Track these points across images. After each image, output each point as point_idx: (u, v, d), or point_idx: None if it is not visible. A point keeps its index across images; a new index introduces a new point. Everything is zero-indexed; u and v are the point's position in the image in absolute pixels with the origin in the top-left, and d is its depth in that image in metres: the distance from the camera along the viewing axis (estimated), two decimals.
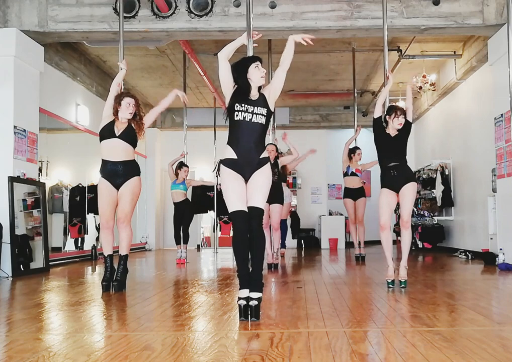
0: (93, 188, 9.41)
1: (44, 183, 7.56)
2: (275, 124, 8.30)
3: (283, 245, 8.12)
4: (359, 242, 8.46)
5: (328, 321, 3.38)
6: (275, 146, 7.40)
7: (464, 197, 10.05)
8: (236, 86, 3.61)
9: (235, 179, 3.52)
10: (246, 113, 3.55)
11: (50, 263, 7.38)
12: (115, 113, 4.99)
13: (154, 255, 11.15)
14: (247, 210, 3.47)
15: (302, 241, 13.76)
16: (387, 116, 5.06)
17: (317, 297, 4.43)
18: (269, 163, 3.61)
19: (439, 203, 10.56)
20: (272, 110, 3.66)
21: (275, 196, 6.78)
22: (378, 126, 5.14)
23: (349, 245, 12.92)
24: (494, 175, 7.81)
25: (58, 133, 9.45)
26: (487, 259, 7.63)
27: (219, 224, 13.64)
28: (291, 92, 12.45)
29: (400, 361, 2.42)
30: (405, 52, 9.35)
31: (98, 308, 4.17)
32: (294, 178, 14.53)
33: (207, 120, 12.67)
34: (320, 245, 12.90)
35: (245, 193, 3.51)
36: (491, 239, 8.08)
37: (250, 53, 4.00)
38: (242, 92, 3.59)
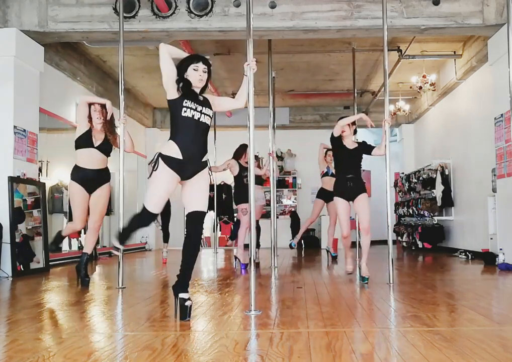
0: None
1: (44, 183, 7.56)
2: (275, 124, 8.29)
3: (257, 245, 8.28)
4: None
5: (328, 321, 3.38)
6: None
7: (464, 197, 10.05)
8: (181, 83, 3.51)
9: (171, 179, 3.45)
10: (195, 112, 3.48)
11: (50, 263, 7.38)
12: (90, 120, 5.32)
13: (154, 255, 11.16)
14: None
15: (302, 241, 13.76)
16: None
17: (317, 297, 4.43)
18: (208, 166, 3.58)
19: (439, 203, 10.56)
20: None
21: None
22: (336, 141, 5.65)
23: None
24: (494, 175, 7.81)
25: (58, 133, 9.45)
26: (487, 259, 7.63)
27: (218, 224, 13.65)
28: (291, 92, 12.46)
29: (400, 361, 2.42)
30: (405, 52, 9.34)
31: (98, 308, 4.17)
32: (294, 178, 14.53)
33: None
34: (320, 245, 12.90)
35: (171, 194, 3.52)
36: (491, 239, 8.08)
37: (250, 54, 3.99)
38: (189, 89, 3.51)
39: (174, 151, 3.44)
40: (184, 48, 8.42)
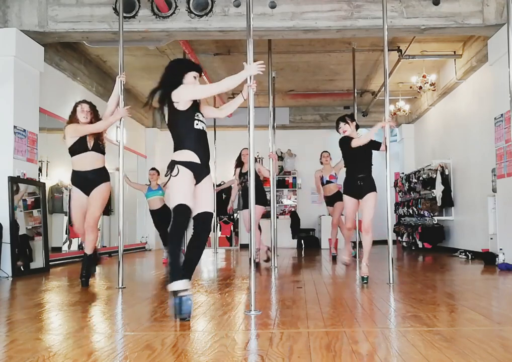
0: None
1: (44, 183, 7.56)
2: (275, 124, 8.29)
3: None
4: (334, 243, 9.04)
5: (328, 321, 3.38)
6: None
7: (464, 197, 10.05)
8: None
9: (192, 181, 3.60)
10: (202, 124, 3.67)
11: (50, 263, 7.38)
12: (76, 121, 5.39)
13: (154, 255, 11.15)
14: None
15: (302, 241, 13.77)
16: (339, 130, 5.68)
17: (317, 297, 4.43)
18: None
19: (439, 203, 10.56)
20: None
21: (257, 197, 6.94)
22: (344, 143, 5.59)
23: None
24: (494, 175, 7.81)
25: (58, 133, 9.43)
26: (487, 259, 7.63)
27: (218, 224, 13.65)
28: (291, 92, 12.46)
29: (400, 361, 2.42)
30: (405, 52, 9.35)
31: (98, 308, 4.17)
32: (294, 178, 14.53)
33: (207, 120, 12.65)
34: (320, 245, 12.91)
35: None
36: (491, 239, 8.08)
37: (250, 53, 3.99)
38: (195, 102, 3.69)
39: (193, 157, 3.58)
40: (184, 47, 8.43)
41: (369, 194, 5.48)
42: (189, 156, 3.57)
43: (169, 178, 3.54)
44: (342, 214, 11.03)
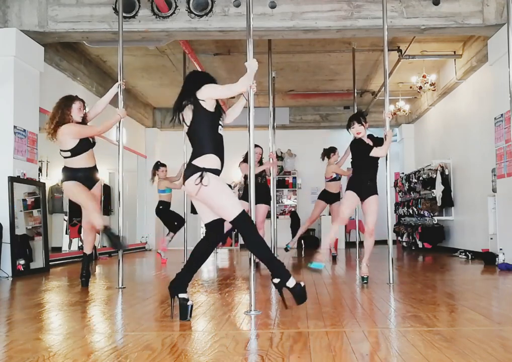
0: None
1: (44, 183, 7.56)
2: (275, 124, 8.28)
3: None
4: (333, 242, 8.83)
5: (328, 321, 3.38)
6: (261, 148, 7.47)
7: (464, 197, 10.05)
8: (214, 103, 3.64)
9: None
10: (223, 130, 3.69)
11: (50, 263, 7.38)
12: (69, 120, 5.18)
13: (154, 255, 11.15)
14: None
15: (302, 241, 13.76)
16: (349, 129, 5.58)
17: (317, 297, 4.43)
18: None
19: (439, 203, 10.56)
20: None
21: (261, 196, 6.92)
22: (358, 145, 5.50)
23: (349, 245, 12.93)
24: (494, 175, 7.81)
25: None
26: (487, 259, 7.63)
27: None
28: (291, 92, 12.46)
29: (400, 361, 2.42)
30: (405, 52, 9.35)
31: (98, 308, 4.17)
32: (294, 178, 14.54)
33: None
34: (320, 245, 12.90)
35: None
36: (491, 239, 8.08)
37: (250, 54, 3.99)
38: (220, 110, 3.71)
39: (217, 164, 3.57)
40: (184, 47, 8.43)
41: (372, 196, 5.43)
42: (215, 162, 3.53)
43: (200, 187, 3.43)
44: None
